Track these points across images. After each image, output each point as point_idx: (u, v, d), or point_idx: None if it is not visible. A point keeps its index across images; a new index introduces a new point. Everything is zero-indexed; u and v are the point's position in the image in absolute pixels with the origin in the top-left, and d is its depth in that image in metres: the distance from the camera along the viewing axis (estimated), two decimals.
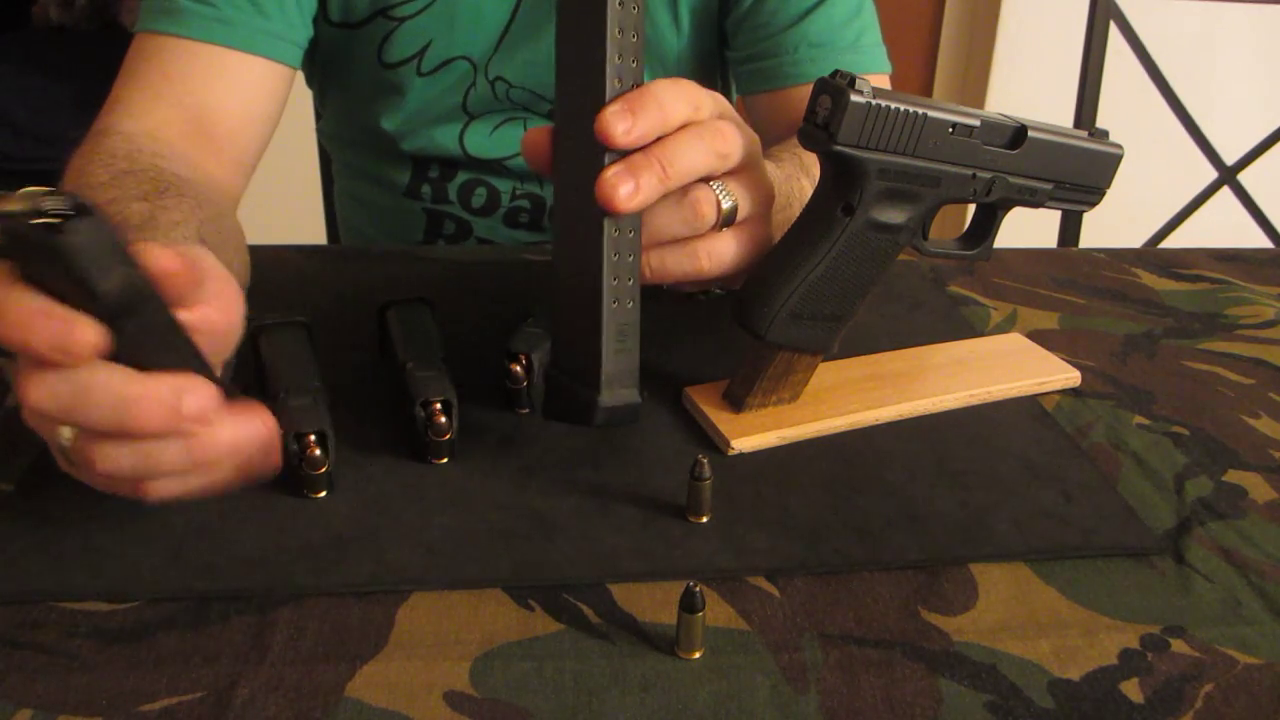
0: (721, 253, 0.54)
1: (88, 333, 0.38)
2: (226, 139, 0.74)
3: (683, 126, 0.50)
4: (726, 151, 0.51)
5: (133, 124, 0.71)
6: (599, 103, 0.48)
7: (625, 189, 0.47)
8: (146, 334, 0.40)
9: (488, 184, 0.92)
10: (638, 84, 0.49)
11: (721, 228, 0.54)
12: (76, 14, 2.31)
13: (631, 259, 0.50)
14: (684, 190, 0.52)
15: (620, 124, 0.47)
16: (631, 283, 0.50)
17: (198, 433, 0.41)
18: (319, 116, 1.05)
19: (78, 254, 0.38)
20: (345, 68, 0.89)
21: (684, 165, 0.50)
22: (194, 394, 0.40)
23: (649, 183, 0.48)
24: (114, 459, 0.41)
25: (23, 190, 0.38)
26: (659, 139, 0.49)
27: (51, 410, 0.40)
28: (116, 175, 0.62)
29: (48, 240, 0.37)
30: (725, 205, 0.53)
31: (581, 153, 0.49)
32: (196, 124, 0.73)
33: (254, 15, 0.74)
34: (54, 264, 0.38)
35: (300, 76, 0.90)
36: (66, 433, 0.41)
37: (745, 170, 0.54)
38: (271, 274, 0.72)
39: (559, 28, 0.50)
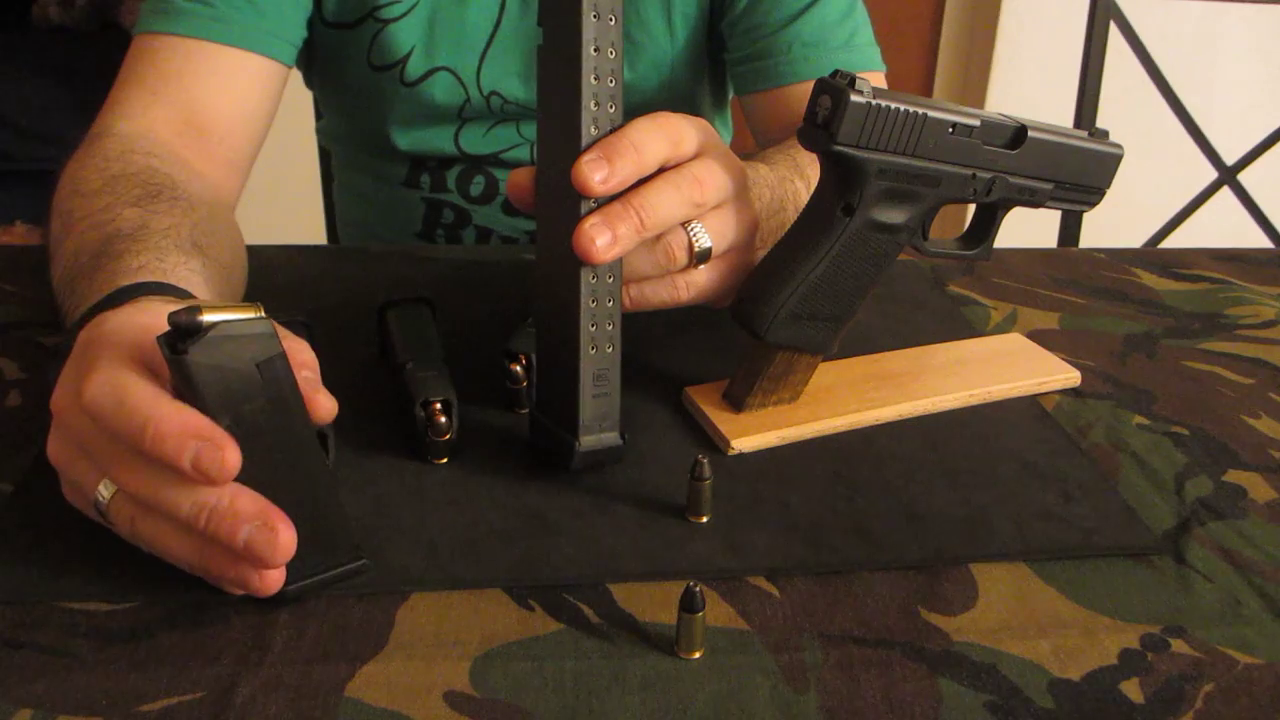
0: (700, 283, 0.55)
1: (234, 459, 0.39)
2: (220, 138, 0.74)
3: (661, 170, 0.51)
4: (702, 200, 0.52)
5: (128, 124, 0.71)
6: (575, 150, 0.48)
7: (602, 241, 0.48)
8: (271, 452, 0.41)
9: (486, 173, 0.93)
10: (615, 128, 0.48)
11: (697, 265, 0.54)
12: (76, 14, 2.31)
13: (610, 304, 0.50)
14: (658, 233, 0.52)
15: (596, 173, 0.47)
16: (611, 328, 0.50)
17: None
18: (319, 116, 1.05)
19: (200, 376, 0.39)
20: (340, 69, 0.89)
21: (660, 215, 0.50)
22: (277, 532, 0.40)
23: (626, 233, 0.48)
24: (155, 527, 0.42)
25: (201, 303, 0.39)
26: (638, 184, 0.49)
27: (141, 496, 0.41)
28: (109, 180, 0.62)
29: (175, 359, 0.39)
30: (699, 246, 0.53)
31: (560, 198, 0.49)
32: (190, 123, 0.73)
33: (250, 14, 0.74)
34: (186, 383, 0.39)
35: (298, 77, 0.90)
36: (105, 491, 0.42)
37: (727, 204, 0.54)
38: (271, 274, 0.72)
39: (539, 71, 0.50)
